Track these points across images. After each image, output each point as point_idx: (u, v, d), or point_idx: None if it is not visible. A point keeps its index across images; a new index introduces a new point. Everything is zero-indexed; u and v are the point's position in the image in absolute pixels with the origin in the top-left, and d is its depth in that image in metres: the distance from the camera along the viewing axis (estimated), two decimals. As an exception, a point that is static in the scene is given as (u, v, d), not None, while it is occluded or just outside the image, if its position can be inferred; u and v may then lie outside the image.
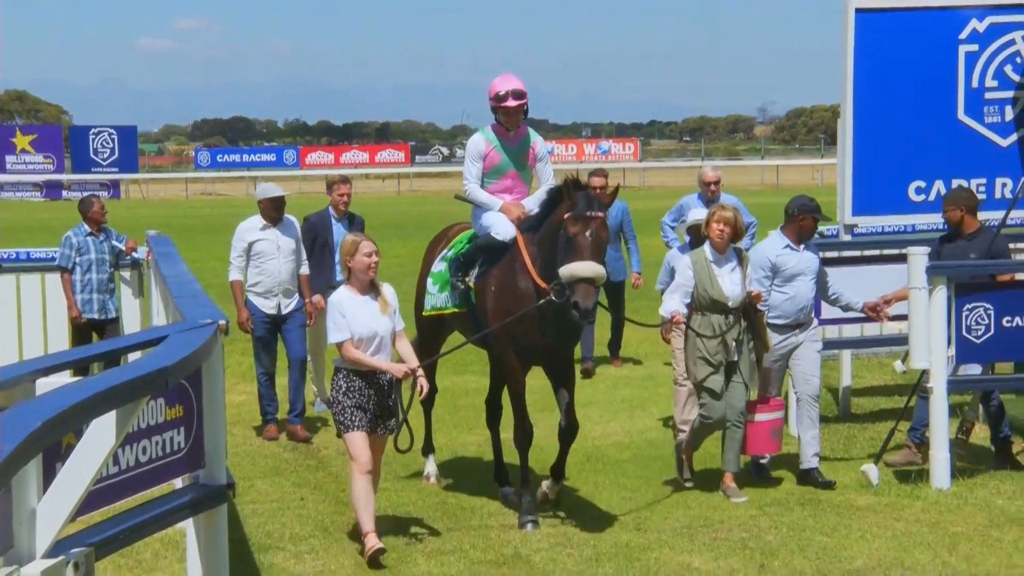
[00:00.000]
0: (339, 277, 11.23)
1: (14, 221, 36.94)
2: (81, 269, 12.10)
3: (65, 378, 6.40)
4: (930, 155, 11.62)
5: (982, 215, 11.75)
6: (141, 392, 4.78)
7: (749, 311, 9.06)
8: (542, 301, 8.10)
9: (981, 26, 11.56)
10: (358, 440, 7.78)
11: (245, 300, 11.07)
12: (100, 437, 4.63)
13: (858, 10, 11.43)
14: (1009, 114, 11.66)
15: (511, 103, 8.82)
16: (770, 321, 9.31)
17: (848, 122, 11.57)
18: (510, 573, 7.53)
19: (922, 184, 11.71)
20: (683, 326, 9.07)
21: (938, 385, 9.14)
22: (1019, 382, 10.80)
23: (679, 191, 31.31)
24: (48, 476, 4.55)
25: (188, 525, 6.91)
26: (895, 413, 10.11)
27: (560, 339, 8.54)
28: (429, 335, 9.56)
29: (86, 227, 12.22)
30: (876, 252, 11.61)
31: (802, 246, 9.43)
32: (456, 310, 8.97)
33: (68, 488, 4.49)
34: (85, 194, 13.87)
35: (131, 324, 12.56)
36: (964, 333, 9.27)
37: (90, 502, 4.95)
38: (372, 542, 7.66)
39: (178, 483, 6.24)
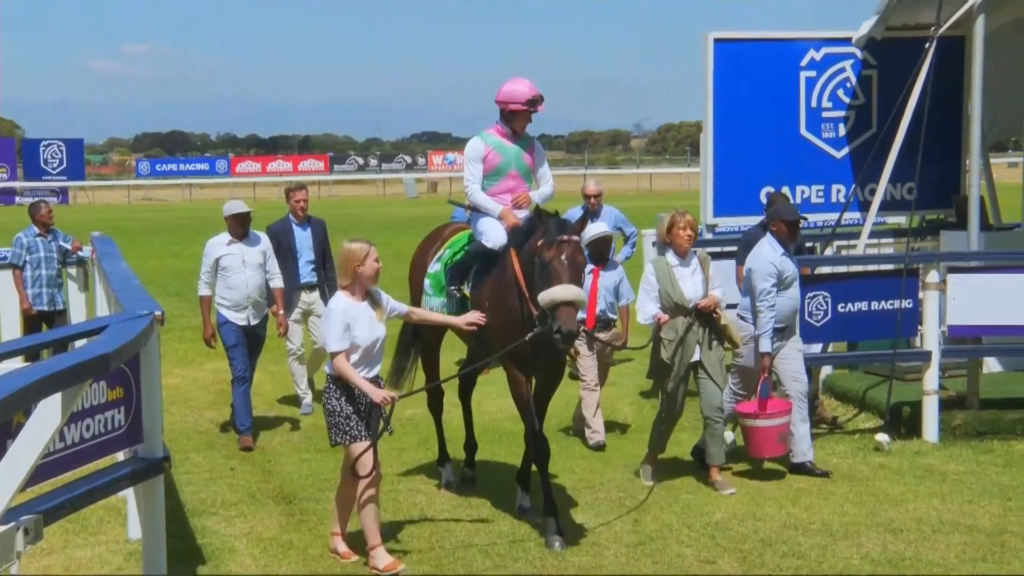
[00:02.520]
0: (303, 280, 10.70)
1: (-29, 224, 36.04)
2: (31, 266, 11.93)
3: (17, 363, 6.31)
4: (777, 164, 11.83)
5: (821, 216, 12.04)
6: (84, 375, 4.73)
7: (707, 314, 8.24)
8: (529, 335, 7.07)
9: (818, 55, 11.80)
10: (363, 450, 6.76)
11: (218, 313, 9.98)
12: (47, 416, 4.57)
13: (716, 40, 11.62)
14: (842, 130, 11.92)
15: (541, 108, 7.91)
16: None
17: (709, 136, 11.74)
18: (416, 530, 7.53)
19: (771, 189, 11.90)
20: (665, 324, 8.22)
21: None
22: (853, 358, 11.00)
23: (565, 196, 31.43)
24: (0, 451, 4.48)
25: (129, 493, 6.86)
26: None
27: (551, 355, 7.40)
28: (429, 336, 8.54)
29: (35, 229, 12.07)
30: (733, 248, 11.81)
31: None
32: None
33: (18, 462, 4.43)
34: (35, 199, 13.55)
35: (77, 315, 12.39)
36: (806, 318, 9.44)
37: (39, 474, 4.89)
38: (386, 560, 6.75)
39: (120, 456, 6.17)
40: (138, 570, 6.49)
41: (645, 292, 8.31)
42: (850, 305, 9.50)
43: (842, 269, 10.37)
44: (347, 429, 6.76)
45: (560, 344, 6.93)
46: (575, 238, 7.07)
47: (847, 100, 11.87)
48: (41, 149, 58.56)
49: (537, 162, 8.16)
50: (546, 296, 6.89)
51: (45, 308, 11.98)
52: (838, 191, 11.91)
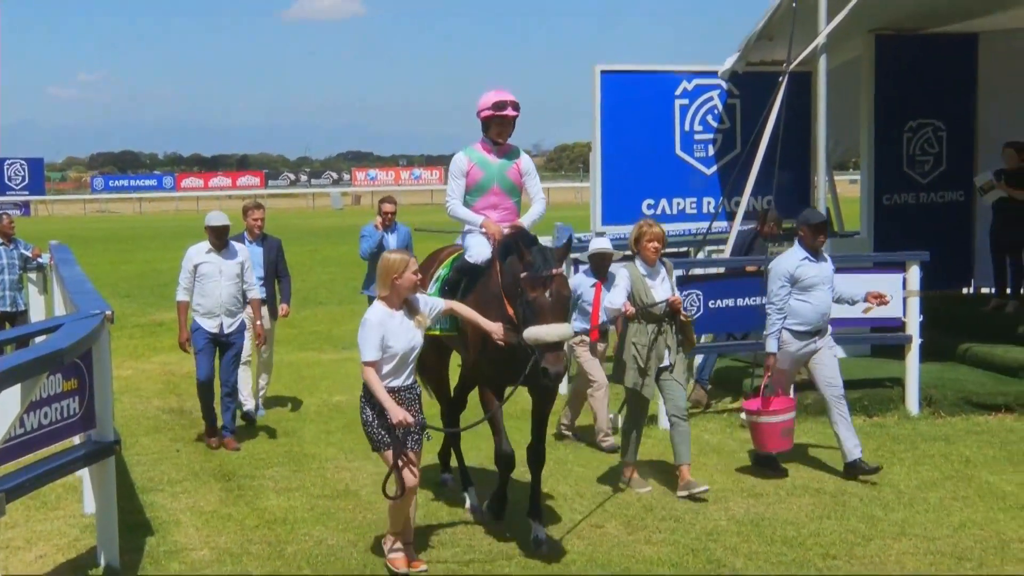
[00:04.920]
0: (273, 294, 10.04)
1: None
2: (-6, 272, 11.64)
3: (-21, 359, 6.14)
4: (656, 180, 11.99)
5: (694, 224, 12.22)
6: (41, 369, 4.65)
7: (675, 316, 7.58)
8: (529, 367, 6.05)
9: (690, 86, 11.99)
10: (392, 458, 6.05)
11: (191, 318, 9.19)
12: (8, 405, 4.48)
13: (603, 71, 11.75)
14: (711, 151, 12.12)
15: (510, 112, 6.98)
16: (791, 327, 7.98)
17: (597, 154, 11.85)
18: (342, 504, 7.48)
19: (651, 201, 12.06)
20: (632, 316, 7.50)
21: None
22: (722, 348, 11.15)
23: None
24: (-36, 437, 4.38)
25: (84, 473, 6.75)
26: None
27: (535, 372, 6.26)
28: (433, 355, 7.35)
29: (-2, 238, 11.77)
30: (624, 252, 11.90)
31: (825, 256, 8.11)
32: (448, 333, 7.02)
33: (-19, 446, 4.33)
34: (-2, 212, 13.19)
35: (37, 315, 12.15)
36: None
37: (1, 457, 4.79)
38: (399, 558, 6.17)
39: (75, 440, 6.07)
40: (93, 541, 6.42)
41: (616, 293, 7.51)
42: (719, 301, 9.63)
43: (712, 271, 10.52)
44: (380, 439, 6.01)
45: (547, 383, 6.08)
46: (557, 271, 6.09)
47: (715, 124, 12.08)
48: (5, 167, 57.11)
49: (525, 178, 7.15)
50: (531, 335, 5.97)
51: (8, 309, 11.72)
52: (708, 203, 12.10)
